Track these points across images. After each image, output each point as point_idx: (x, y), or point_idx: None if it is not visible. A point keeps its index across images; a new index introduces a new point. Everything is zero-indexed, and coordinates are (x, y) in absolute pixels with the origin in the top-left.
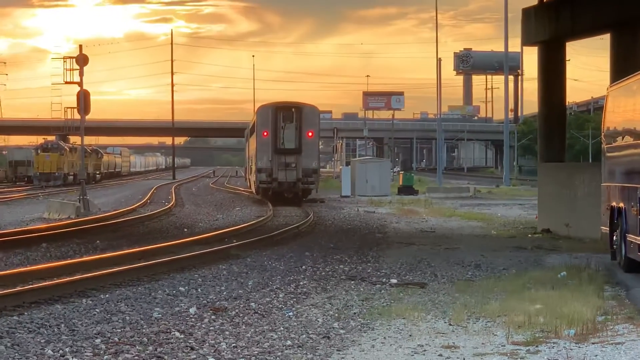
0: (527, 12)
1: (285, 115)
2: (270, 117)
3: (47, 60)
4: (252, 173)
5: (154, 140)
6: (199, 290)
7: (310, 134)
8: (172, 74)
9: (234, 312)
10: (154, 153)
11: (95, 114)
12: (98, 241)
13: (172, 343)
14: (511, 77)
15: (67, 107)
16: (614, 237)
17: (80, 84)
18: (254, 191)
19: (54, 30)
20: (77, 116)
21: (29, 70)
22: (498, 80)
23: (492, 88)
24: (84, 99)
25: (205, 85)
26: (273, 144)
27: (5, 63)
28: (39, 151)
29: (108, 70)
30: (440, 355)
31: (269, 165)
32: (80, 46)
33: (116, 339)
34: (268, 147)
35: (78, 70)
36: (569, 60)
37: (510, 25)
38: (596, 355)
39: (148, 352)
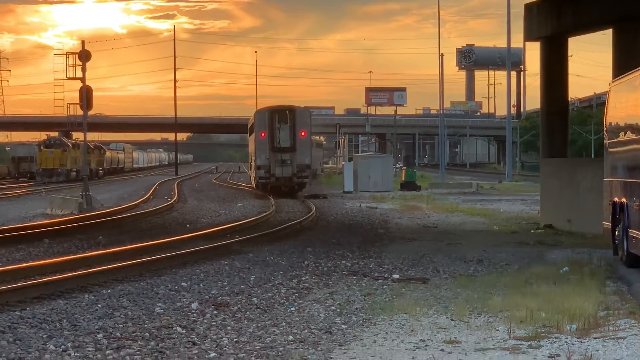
0: (529, 8)
1: (280, 117)
2: (267, 119)
3: (49, 57)
4: (252, 170)
5: (157, 136)
6: (201, 285)
7: (303, 133)
8: (175, 70)
9: (236, 308)
10: (157, 149)
11: (98, 110)
12: (100, 237)
13: (174, 338)
14: (514, 73)
15: (70, 103)
16: (616, 233)
17: (82, 80)
18: (254, 186)
19: (57, 26)
20: (79, 112)
21: (32, 66)
22: (501, 75)
23: (494, 84)
24: (86, 95)
25: (208, 81)
26: (270, 144)
27: (8, 59)
28: (42, 147)
29: (111, 66)
30: (442, 350)
31: (267, 162)
32: (83, 42)
33: (118, 334)
34: (266, 147)
35: (81, 66)
36: (571, 55)
37: (512, 20)
38: (598, 350)
39: (150, 347)
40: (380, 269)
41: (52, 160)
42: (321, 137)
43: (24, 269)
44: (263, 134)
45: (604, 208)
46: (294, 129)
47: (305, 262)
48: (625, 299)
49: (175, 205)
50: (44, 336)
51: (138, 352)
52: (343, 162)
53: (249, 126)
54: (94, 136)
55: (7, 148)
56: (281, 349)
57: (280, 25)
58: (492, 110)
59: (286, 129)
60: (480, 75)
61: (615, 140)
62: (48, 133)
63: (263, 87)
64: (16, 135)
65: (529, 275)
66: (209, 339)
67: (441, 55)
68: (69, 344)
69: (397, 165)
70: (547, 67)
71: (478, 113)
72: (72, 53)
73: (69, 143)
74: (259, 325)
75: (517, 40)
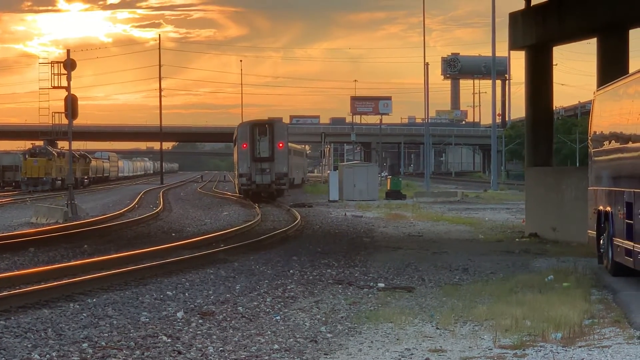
0: (514, 17)
1: (260, 130)
2: (248, 132)
3: (35, 65)
4: (235, 177)
5: (142, 145)
6: (187, 294)
7: (280, 145)
8: (160, 79)
9: (221, 316)
10: (142, 158)
11: (84, 119)
12: (86, 245)
13: (159, 347)
14: (499, 82)
15: (55, 112)
16: (601, 241)
17: (68, 88)
18: (237, 191)
19: (43, 35)
20: (65, 121)
21: (17, 75)
22: (486, 84)
23: (479, 92)
24: (71, 104)
25: (193, 90)
26: (251, 154)
27: None
28: (27, 156)
29: (96, 75)
30: (428, 359)
31: (248, 171)
32: (68, 51)
33: (103, 343)
34: (247, 157)
35: (66, 75)
36: (556, 64)
37: (498, 29)
38: (583, 359)
39: (135, 356)
40: (366, 277)
41: (37, 169)
42: (306, 146)
43: (9, 278)
44: (245, 145)
45: (588, 217)
46: (272, 141)
47: (291, 271)
48: (610, 307)
49: (161, 214)
50: (28, 345)
51: None
52: (328, 171)
53: (233, 137)
54: (79, 145)
55: None
56: (266, 357)
57: (266, 34)
58: (477, 119)
59: (265, 141)
60: (466, 84)
61: (600, 149)
62: (33, 142)
63: (248, 96)
64: (1, 144)
65: (514, 283)
66: (195, 348)
67: (426, 64)
68: (54, 353)
69: (383, 174)
70: (532, 76)
71: (463, 122)
72: (58, 62)
73: (54, 152)
74: (245, 334)
75: (502, 49)
